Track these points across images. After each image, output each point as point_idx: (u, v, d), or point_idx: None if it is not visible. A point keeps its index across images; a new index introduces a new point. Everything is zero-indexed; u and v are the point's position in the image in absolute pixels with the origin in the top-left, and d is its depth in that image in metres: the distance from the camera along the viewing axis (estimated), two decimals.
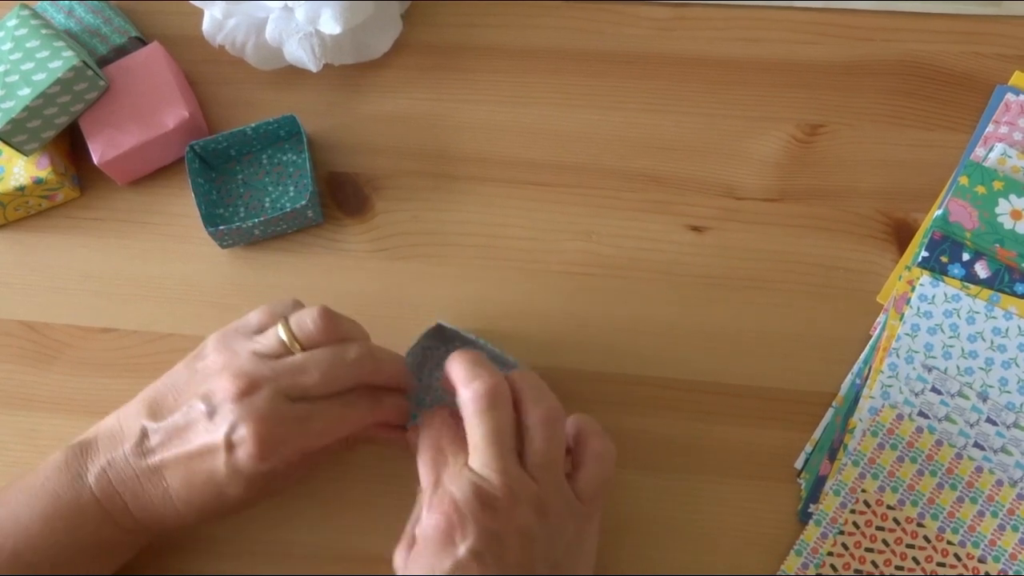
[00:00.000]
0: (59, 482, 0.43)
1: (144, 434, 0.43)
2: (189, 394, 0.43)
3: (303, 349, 0.43)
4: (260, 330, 0.45)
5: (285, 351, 0.43)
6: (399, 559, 0.42)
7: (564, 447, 0.42)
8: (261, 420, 0.41)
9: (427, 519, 0.40)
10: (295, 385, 0.42)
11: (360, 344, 0.45)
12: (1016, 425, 0.47)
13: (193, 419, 0.42)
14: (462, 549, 0.39)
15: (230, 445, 0.41)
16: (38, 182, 0.55)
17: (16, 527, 0.42)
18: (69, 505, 0.43)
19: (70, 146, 0.59)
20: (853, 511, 0.46)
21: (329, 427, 0.43)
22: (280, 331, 0.44)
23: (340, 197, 0.57)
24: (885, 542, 0.46)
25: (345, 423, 0.44)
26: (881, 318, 0.51)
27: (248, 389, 0.41)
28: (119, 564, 0.45)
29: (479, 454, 0.41)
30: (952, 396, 0.48)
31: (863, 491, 0.47)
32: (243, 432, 0.41)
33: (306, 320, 0.44)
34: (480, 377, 0.42)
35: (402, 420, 0.47)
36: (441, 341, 0.51)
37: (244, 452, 0.41)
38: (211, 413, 0.42)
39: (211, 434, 0.41)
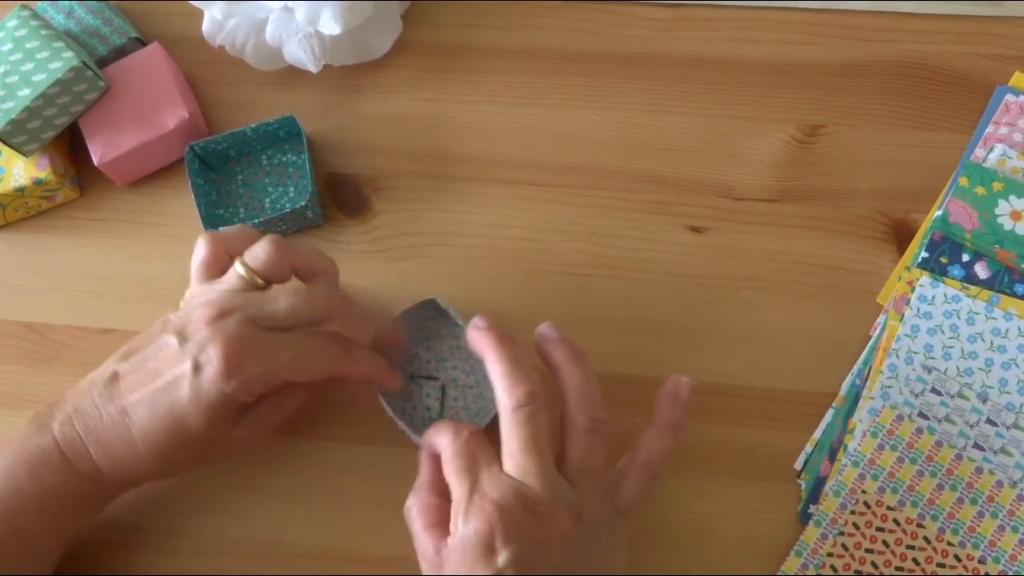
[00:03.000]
0: (25, 434, 0.44)
1: (114, 376, 0.44)
2: (162, 335, 0.44)
3: (264, 281, 0.44)
4: (217, 277, 0.46)
5: (248, 286, 0.44)
6: (416, 518, 0.42)
7: (605, 456, 0.42)
8: (229, 338, 0.41)
9: (465, 526, 0.39)
10: (263, 312, 0.43)
11: (330, 284, 0.46)
12: (1016, 426, 0.47)
13: (163, 353, 0.43)
14: (502, 557, 0.38)
15: (197, 367, 0.42)
16: (38, 183, 0.55)
17: None
18: (31, 452, 0.43)
19: (70, 147, 0.59)
20: (853, 512, 0.46)
21: (296, 359, 0.43)
22: (238, 267, 0.44)
23: (340, 198, 0.57)
24: (885, 543, 0.46)
25: (313, 360, 0.44)
26: (881, 319, 0.51)
27: (218, 315, 0.42)
28: (82, 522, 0.45)
29: (517, 459, 0.40)
30: (952, 397, 0.48)
31: (863, 492, 0.47)
32: (210, 351, 0.41)
33: (258, 252, 0.44)
34: (521, 382, 0.41)
35: (376, 377, 0.46)
36: (438, 312, 0.51)
37: (210, 371, 0.41)
38: (182, 342, 0.42)
39: (180, 362, 0.42)
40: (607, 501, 0.42)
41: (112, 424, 0.43)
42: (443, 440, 0.42)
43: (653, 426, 0.44)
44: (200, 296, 0.44)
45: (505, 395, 0.41)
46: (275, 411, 0.46)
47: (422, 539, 0.42)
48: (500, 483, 0.40)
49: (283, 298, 0.44)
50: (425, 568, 0.42)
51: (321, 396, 0.48)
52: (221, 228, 0.47)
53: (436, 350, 0.50)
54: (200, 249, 0.46)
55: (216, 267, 0.46)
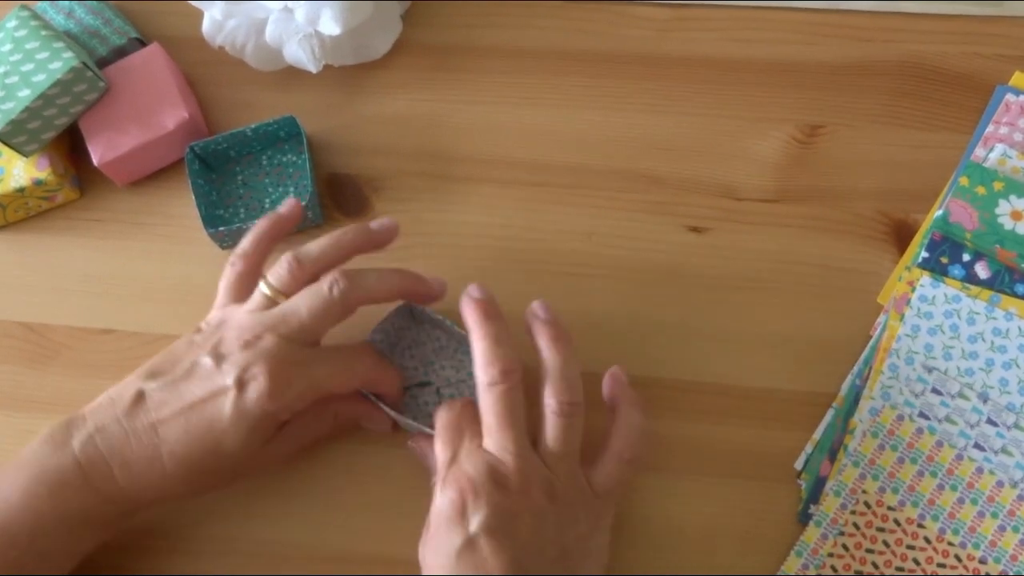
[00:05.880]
0: (42, 453, 0.43)
1: (140, 395, 0.44)
2: (192, 355, 0.44)
3: (287, 298, 0.45)
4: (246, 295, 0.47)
5: (272, 304, 0.45)
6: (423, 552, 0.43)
7: (580, 439, 0.43)
8: (273, 359, 0.43)
9: (440, 496, 0.41)
10: (291, 327, 0.44)
11: (332, 272, 0.46)
12: (1016, 426, 0.47)
13: (199, 372, 0.43)
14: (474, 524, 0.39)
15: (241, 385, 0.42)
16: (38, 183, 0.55)
17: None
18: (51, 473, 0.43)
19: (70, 147, 0.59)
20: (853, 512, 0.46)
21: (334, 372, 0.45)
22: (262, 286, 0.46)
23: (340, 198, 0.57)
24: (886, 543, 0.46)
25: (350, 371, 0.45)
26: (881, 319, 0.51)
27: (253, 338, 0.43)
28: (100, 540, 0.45)
29: (493, 435, 0.42)
30: (952, 397, 0.48)
31: (863, 492, 0.47)
32: (256, 371, 0.42)
33: (280, 271, 0.46)
34: (497, 360, 0.42)
35: (396, 387, 0.48)
36: (412, 321, 0.51)
37: (256, 391, 0.42)
38: (219, 362, 0.43)
39: (219, 380, 0.43)
40: (583, 483, 0.43)
41: (139, 443, 0.43)
42: (439, 412, 0.44)
43: (614, 412, 0.45)
44: (230, 320, 0.45)
45: (482, 372, 0.43)
46: (305, 432, 0.47)
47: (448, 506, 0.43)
48: (474, 457, 0.41)
49: (302, 305, 0.44)
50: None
51: (338, 431, 0.49)
52: (243, 242, 0.48)
53: (420, 356, 0.50)
54: (232, 268, 0.47)
55: (247, 284, 0.47)
